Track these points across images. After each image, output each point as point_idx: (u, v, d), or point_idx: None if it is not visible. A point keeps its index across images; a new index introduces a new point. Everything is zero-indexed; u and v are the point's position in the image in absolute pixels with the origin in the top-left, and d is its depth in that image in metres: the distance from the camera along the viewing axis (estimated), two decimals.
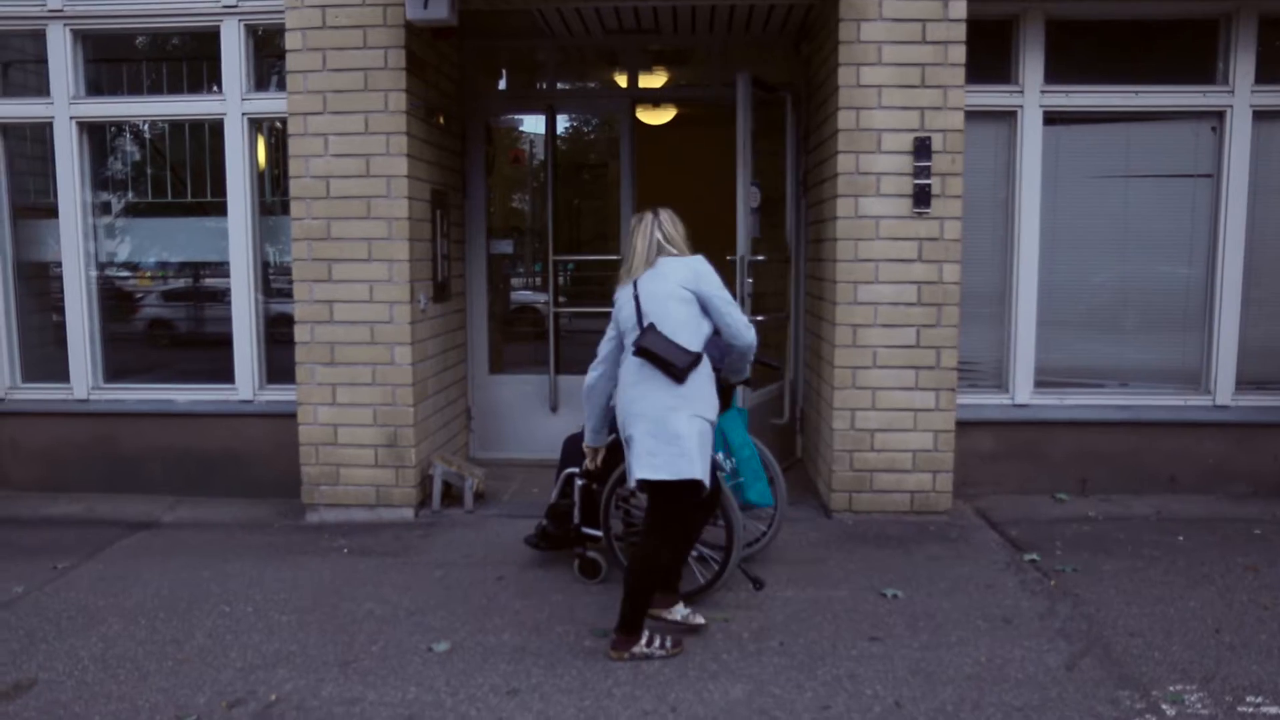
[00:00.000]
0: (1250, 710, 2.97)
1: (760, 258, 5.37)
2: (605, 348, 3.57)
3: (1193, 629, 3.57)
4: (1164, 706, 3.00)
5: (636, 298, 3.40)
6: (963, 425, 5.05)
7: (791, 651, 3.41)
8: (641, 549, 3.39)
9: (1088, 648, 3.43)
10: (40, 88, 5.51)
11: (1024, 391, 5.34)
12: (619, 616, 3.38)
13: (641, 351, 3.30)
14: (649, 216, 3.56)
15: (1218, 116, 5.24)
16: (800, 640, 3.49)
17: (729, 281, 3.68)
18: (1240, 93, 5.17)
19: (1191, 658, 3.34)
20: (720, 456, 3.89)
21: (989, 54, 5.13)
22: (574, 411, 5.99)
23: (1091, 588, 3.98)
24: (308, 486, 5.06)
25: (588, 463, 3.85)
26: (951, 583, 4.05)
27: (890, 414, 4.85)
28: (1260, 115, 5.21)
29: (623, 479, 3.91)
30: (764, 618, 3.68)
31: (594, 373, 3.59)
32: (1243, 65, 5.16)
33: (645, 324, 3.34)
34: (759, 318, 5.22)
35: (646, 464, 3.27)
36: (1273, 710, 2.97)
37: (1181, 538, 4.61)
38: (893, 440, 4.87)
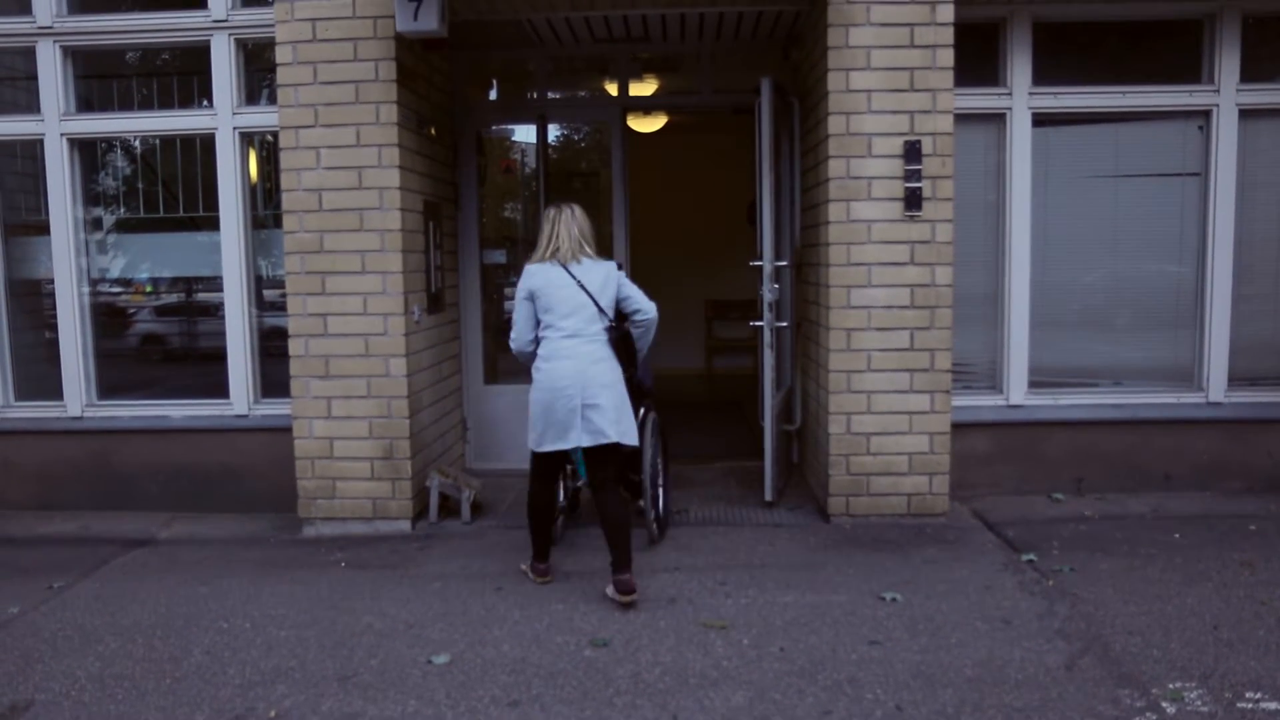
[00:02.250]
0: (1250, 706, 2.98)
1: (784, 263, 5.32)
2: (526, 312, 4.05)
3: (1191, 626, 3.58)
4: (1164, 704, 3.01)
5: (580, 283, 3.98)
6: (958, 427, 5.06)
7: (792, 657, 3.41)
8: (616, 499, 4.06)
9: (1087, 647, 3.43)
10: (30, 105, 5.50)
11: (1018, 392, 5.36)
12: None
13: (625, 335, 4.10)
14: (566, 210, 4.07)
15: (1204, 115, 5.27)
16: (800, 645, 3.50)
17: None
18: (1226, 91, 5.20)
19: (1190, 655, 3.35)
20: None
21: (977, 57, 5.16)
22: None
23: (1089, 587, 3.99)
24: (304, 500, 5.05)
25: None
26: (950, 585, 4.06)
27: (885, 417, 4.86)
28: (1246, 113, 5.24)
29: None
30: (764, 623, 3.68)
31: (528, 341, 4.08)
32: (1228, 64, 5.19)
33: (605, 308, 4.02)
34: (782, 324, 5.22)
35: (617, 430, 3.95)
36: (1272, 706, 2.98)
37: (1178, 535, 4.63)
38: (888, 443, 4.87)
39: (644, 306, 4.13)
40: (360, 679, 3.34)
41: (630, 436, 4.02)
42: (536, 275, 3.99)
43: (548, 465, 4.13)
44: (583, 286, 3.96)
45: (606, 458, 4.01)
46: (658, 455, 4.77)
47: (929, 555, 4.44)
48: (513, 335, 4.08)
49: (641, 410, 4.61)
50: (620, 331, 4.09)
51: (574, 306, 3.95)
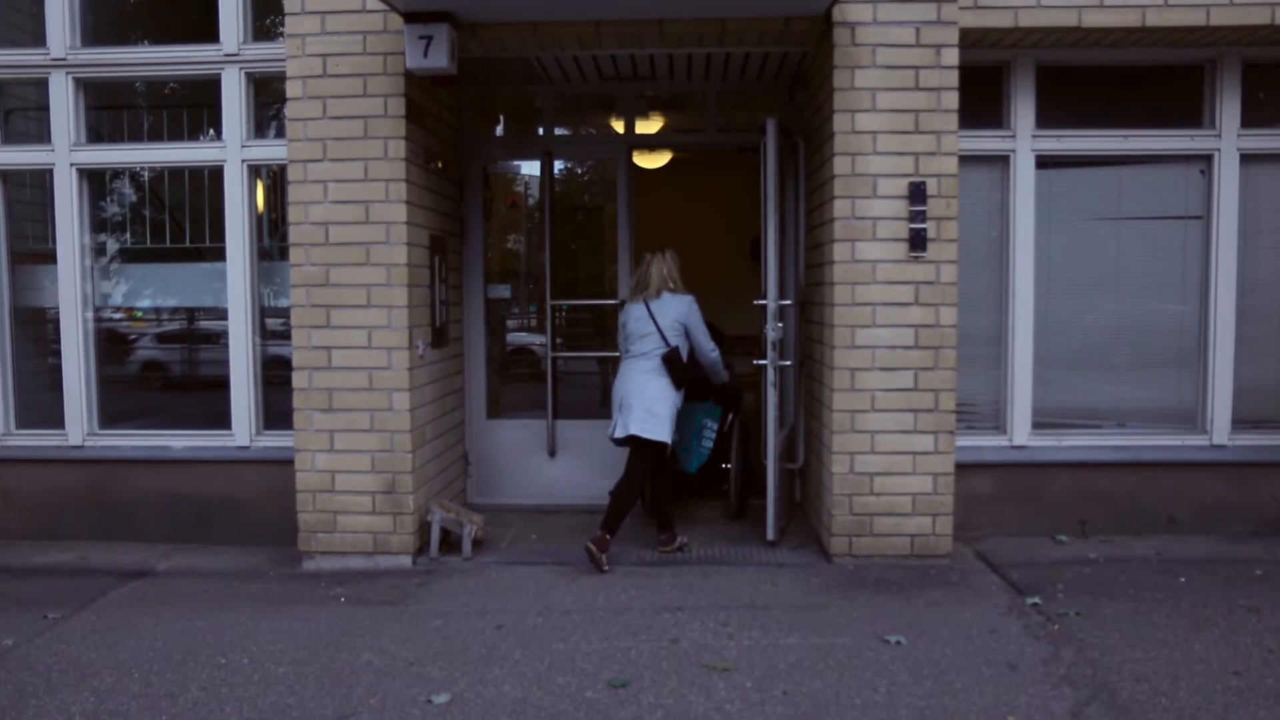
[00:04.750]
0: None
1: (788, 302, 5.33)
2: (620, 335, 5.26)
3: (1198, 673, 3.55)
4: None
5: (653, 316, 5.01)
6: (961, 468, 5.04)
7: (795, 700, 3.37)
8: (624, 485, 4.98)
9: (1093, 694, 3.40)
10: (41, 135, 5.55)
11: (1022, 433, 5.35)
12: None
13: (667, 358, 4.96)
14: (659, 255, 5.10)
15: (1206, 160, 5.31)
16: (804, 689, 3.46)
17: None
18: (1227, 136, 5.25)
19: (1199, 703, 3.31)
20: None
21: (981, 100, 5.21)
22: (573, 456, 5.98)
23: (1095, 631, 3.96)
24: (304, 534, 5.02)
25: None
26: (954, 628, 4.02)
27: (889, 457, 4.85)
28: (1248, 158, 5.29)
29: None
30: (767, 665, 3.65)
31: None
32: (1229, 110, 5.24)
33: (667, 338, 5.00)
34: (785, 363, 5.21)
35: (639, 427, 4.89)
36: None
37: (1183, 579, 4.60)
38: (892, 484, 4.86)
39: (703, 352, 5.14)
40: (359, 718, 3.30)
41: (652, 434, 4.86)
42: (627, 312, 5.15)
43: (629, 455, 5.05)
44: (653, 318, 4.98)
45: (636, 448, 4.96)
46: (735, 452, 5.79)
47: (933, 597, 4.40)
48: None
49: (730, 417, 5.75)
50: (671, 350, 4.96)
51: (644, 335, 5.00)
